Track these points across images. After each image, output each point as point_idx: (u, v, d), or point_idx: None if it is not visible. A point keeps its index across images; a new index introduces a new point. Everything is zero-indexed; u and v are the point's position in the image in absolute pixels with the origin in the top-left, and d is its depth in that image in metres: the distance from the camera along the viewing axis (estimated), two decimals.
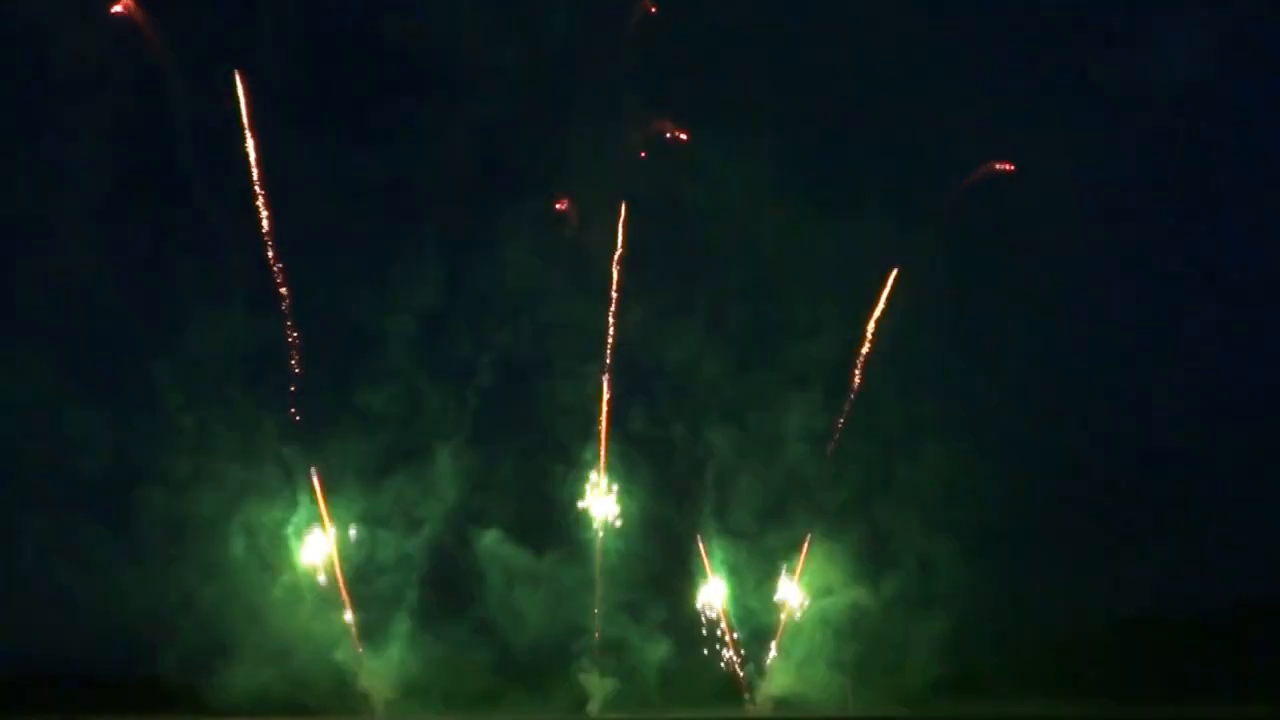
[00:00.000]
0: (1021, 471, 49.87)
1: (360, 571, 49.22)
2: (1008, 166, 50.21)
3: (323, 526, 48.70)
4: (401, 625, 49.06)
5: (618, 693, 49.49)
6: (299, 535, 48.71)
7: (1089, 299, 53.92)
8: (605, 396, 50.00)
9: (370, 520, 49.12)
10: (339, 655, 48.69)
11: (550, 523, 50.39)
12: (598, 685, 49.50)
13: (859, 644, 49.54)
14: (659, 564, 50.46)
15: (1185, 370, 53.69)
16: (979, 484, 48.93)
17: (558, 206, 50.26)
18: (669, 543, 50.72)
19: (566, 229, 50.64)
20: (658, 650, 49.55)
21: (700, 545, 50.62)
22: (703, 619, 50.64)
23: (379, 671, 49.04)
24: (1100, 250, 52.52)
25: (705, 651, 50.67)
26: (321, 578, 48.70)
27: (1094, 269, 53.03)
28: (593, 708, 49.58)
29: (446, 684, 49.22)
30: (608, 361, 50.14)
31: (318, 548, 48.71)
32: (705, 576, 50.68)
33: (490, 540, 49.71)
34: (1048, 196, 51.47)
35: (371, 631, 49.08)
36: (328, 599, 48.69)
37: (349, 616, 48.74)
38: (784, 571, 50.48)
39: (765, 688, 50.26)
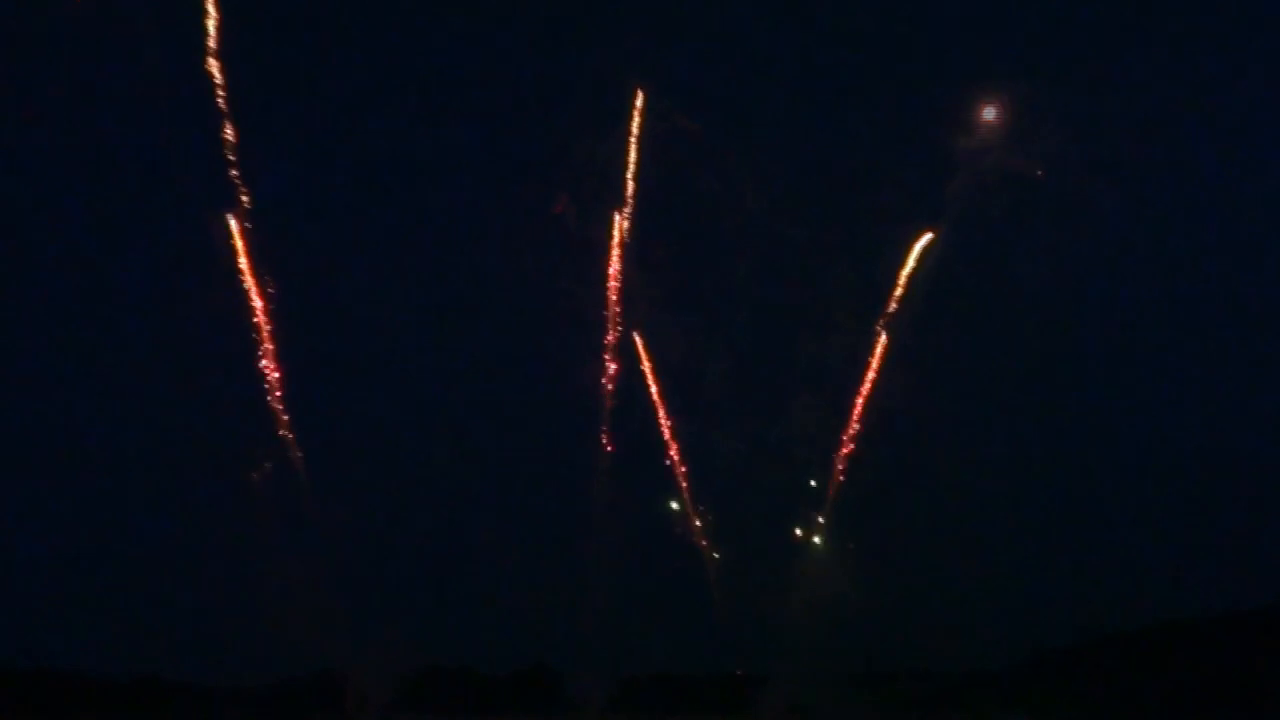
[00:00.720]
0: (1031, 474, 49.16)
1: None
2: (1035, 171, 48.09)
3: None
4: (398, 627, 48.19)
5: (617, 698, 48.83)
6: None
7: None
8: (608, 390, 48.62)
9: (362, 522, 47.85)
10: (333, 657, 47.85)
11: (550, 523, 49.53)
12: (598, 689, 48.87)
13: (864, 651, 48.97)
14: (661, 565, 49.64)
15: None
16: (988, 487, 48.08)
17: (556, 209, 48.24)
18: (673, 543, 49.75)
19: (567, 221, 48.75)
20: (659, 655, 48.99)
21: (703, 546, 49.67)
22: (705, 622, 49.97)
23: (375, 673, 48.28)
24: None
25: (708, 657, 50.18)
26: None
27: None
28: (591, 712, 48.97)
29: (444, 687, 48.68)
30: (609, 357, 48.65)
31: None
32: (708, 578, 49.80)
33: (488, 539, 48.67)
34: (1062, 195, 49.88)
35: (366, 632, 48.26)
36: None
37: None
38: (789, 575, 49.58)
39: (768, 693, 49.67)
